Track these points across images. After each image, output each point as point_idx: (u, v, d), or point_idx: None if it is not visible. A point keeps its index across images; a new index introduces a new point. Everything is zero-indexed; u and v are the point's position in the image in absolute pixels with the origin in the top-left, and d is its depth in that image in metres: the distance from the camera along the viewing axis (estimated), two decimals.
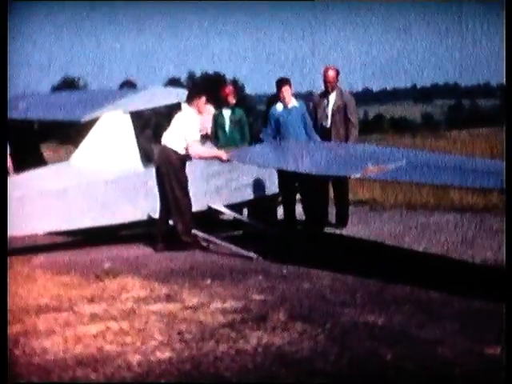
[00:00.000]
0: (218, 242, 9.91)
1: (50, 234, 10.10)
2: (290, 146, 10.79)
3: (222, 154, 10.05)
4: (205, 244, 9.89)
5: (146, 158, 10.54)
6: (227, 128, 11.63)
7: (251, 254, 9.27)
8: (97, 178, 10.17)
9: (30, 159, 11.34)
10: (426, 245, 9.66)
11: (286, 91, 10.82)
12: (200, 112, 10.13)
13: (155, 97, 11.09)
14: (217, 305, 6.98)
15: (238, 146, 11.11)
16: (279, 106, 10.94)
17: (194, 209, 10.20)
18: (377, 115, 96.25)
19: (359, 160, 9.29)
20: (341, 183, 11.32)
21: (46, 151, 12.68)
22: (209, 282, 7.96)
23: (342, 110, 11.15)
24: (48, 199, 9.75)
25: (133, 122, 10.60)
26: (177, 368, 5.34)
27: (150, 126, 11.07)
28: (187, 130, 9.87)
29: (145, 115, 10.81)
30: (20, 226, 9.53)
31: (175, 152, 9.84)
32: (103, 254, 9.77)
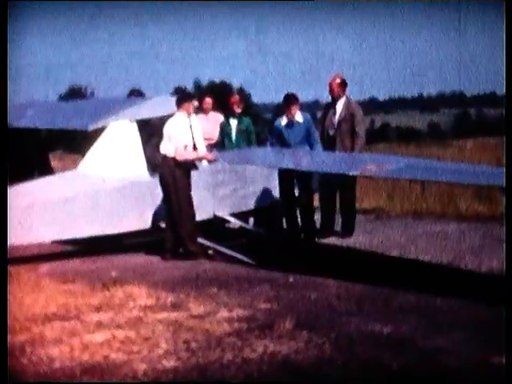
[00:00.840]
0: (219, 248, 9.95)
1: (57, 242, 10.12)
2: (284, 152, 10.79)
3: (207, 155, 10.17)
4: (210, 252, 9.91)
5: (153, 166, 10.56)
6: (233, 137, 11.68)
7: (251, 261, 9.36)
8: (103, 187, 10.19)
9: (38, 167, 11.38)
10: (432, 254, 9.65)
11: (292, 108, 10.75)
12: (188, 113, 10.16)
13: (162, 106, 11.10)
14: (223, 313, 6.98)
15: None
16: (283, 120, 10.89)
17: (201, 217, 10.24)
18: (383, 124, 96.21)
19: (358, 160, 9.32)
20: (346, 192, 11.30)
21: (53, 160, 12.71)
22: (215, 290, 7.96)
23: (348, 120, 11.12)
24: (55, 207, 9.77)
25: (139, 130, 10.63)
26: (183, 376, 5.35)
27: (156, 134, 11.09)
28: (174, 135, 9.96)
29: (151, 124, 10.83)
30: (27, 234, 9.57)
31: (175, 160, 9.90)
32: (110, 262, 9.78)
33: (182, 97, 10.29)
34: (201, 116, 11.92)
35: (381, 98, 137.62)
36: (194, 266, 9.43)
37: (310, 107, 12.30)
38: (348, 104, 11.22)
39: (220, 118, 12.23)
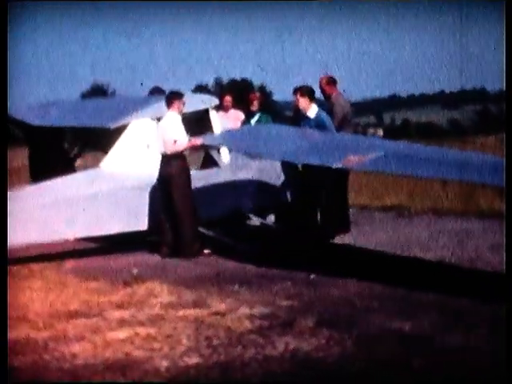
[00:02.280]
0: (214, 235, 10.16)
1: (80, 239, 10.18)
2: (269, 131, 10.70)
3: (195, 140, 10.13)
4: (207, 251, 9.94)
5: None
6: None
7: (244, 247, 9.74)
8: (125, 184, 10.25)
9: (60, 166, 11.45)
10: (453, 251, 9.63)
11: (297, 101, 10.61)
12: (180, 111, 10.18)
13: None
14: (244, 310, 7.00)
15: None
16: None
17: (222, 214, 10.32)
18: (404, 121, 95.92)
19: (340, 150, 9.20)
20: (337, 187, 11.12)
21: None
22: (236, 287, 7.99)
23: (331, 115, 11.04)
24: (77, 205, 9.84)
25: None
26: (204, 373, 5.37)
27: None
28: (166, 133, 10.01)
29: None
30: (50, 232, 9.64)
31: (176, 160, 9.95)
32: (131, 259, 9.82)
33: (171, 96, 10.24)
34: (221, 113, 11.97)
35: (402, 94, 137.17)
36: (215, 263, 9.46)
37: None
38: (332, 99, 11.20)
39: (240, 115, 12.28)
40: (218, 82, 75.56)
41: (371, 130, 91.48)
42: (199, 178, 10.62)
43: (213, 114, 11.16)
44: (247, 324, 6.55)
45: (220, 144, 10.78)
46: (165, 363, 5.56)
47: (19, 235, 9.37)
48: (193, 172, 10.91)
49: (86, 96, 56.84)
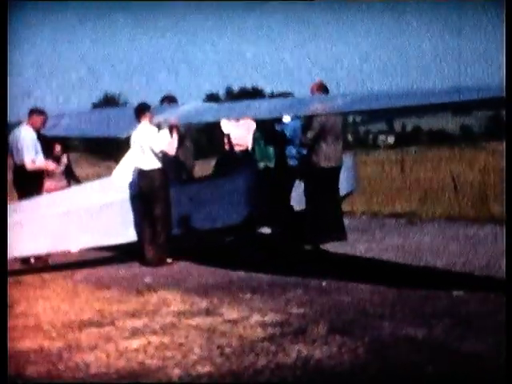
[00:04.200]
0: (225, 243, 10.55)
1: (92, 249, 10.22)
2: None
3: (172, 120, 10.24)
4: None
5: (186, 172, 10.69)
6: (262, 143, 11.74)
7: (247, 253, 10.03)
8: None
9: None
10: (465, 257, 9.61)
11: None
12: (150, 121, 10.27)
13: (194, 112, 11.18)
14: (256, 318, 7.01)
15: (272, 160, 11.26)
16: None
17: (239, 220, 10.42)
18: (415, 127, 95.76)
19: (305, 103, 9.51)
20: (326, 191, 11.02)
21: (88, 167, 12.83)
22: (248, 295, 8.00)
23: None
24: (90, 215, 9.89)
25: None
26: (217, 382, 5.38)
27: (188, 140, 11.20)
28: (151, 143, 10.09)
29: (183, 130, 10.88)
30: (61, 242, 9.68)
31: (155, 173, 10.04)
32: (143, 268, 9.87)
33: (139, 109, 10.34)
34: (232, 123, 11.98)
35: None
36: (227, 271, 9.48)
37: None
38: None
39: (251, 124, 12.28)
40: (228, 91, 75.71)
41: (382, 137, 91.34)
42: (211, 187, 10.69)
43: (224, 124, 11.20)
44: (259, 332, 6.55)
45: (191, 120, 10.85)
46: (177, 372, 5.57)
47: (31, 245, 9.43)
48: (206, 181, 11.01)
49: (97, 106, 57.08)
